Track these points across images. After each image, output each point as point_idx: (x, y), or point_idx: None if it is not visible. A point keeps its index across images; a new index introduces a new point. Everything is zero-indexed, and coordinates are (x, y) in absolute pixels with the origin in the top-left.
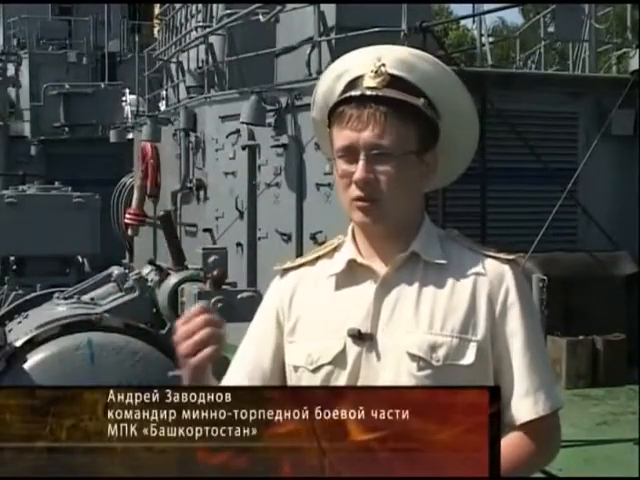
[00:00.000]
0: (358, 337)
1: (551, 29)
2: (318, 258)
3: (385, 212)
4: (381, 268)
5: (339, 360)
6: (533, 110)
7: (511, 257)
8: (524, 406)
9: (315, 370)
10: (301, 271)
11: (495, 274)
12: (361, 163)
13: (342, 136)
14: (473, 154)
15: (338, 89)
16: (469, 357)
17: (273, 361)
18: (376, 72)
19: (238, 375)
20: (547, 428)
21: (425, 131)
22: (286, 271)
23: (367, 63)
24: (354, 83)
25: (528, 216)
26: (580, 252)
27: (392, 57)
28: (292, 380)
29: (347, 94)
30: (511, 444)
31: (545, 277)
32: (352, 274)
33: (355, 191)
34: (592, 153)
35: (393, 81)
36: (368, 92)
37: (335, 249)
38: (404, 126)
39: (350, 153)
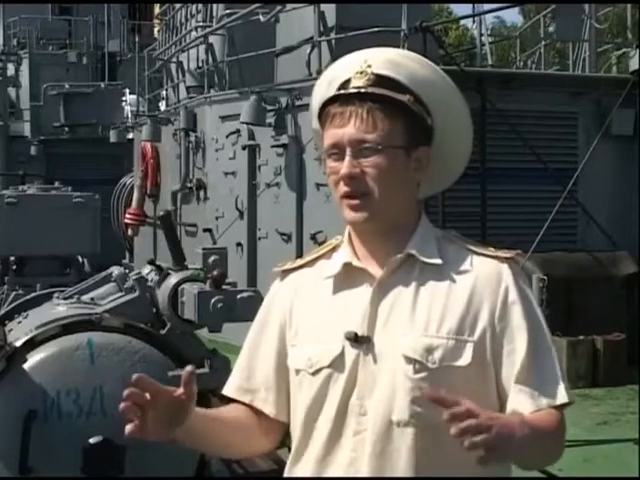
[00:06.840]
0: (355, 340)
1: (551, 29)
2: (316, 259)
3: (376, 208)
4: (377, 271)
5: (337, 363)
6: (533, 110)
7: (509, 255)
8: (524, 401)
9: (315, 373)
10: (300, 273)
11: (493, 273)
12: (347, 159)
13: (329, 135)
14: (468, 154)
15: (330, 94)
16: (466, 358)
17: (276, 368)
18: (362, 73)
19: (240, 378)
20: (555, 422)
21: (413, 127)
22: (285, 273)
23: (355, 66)
24: (343, 86)
25: (528, 216)
26: (580, 252)
27: (379, 58)
28: (294, 383)
29: (333, 94)
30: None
31: (545, 277)
32: (348, 277)
33: (343, 187)
34: (592, 153)
35: (379, 81)
36: (351, 90)
37: (333, 249)
38: (389, 121)
39: (337, 150)
